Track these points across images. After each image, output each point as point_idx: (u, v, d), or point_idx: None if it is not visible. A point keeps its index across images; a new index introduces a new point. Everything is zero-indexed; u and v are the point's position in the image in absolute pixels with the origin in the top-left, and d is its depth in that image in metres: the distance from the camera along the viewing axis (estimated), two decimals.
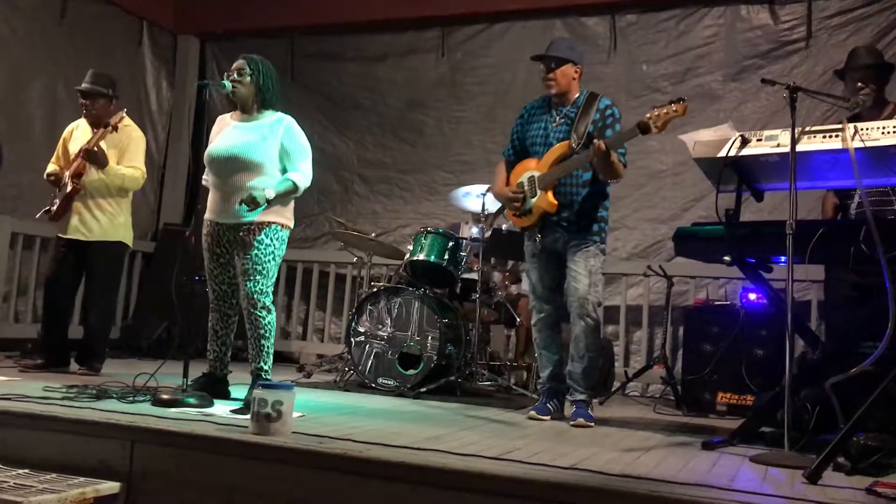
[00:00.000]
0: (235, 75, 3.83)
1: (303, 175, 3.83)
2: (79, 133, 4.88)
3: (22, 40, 6.36)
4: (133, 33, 7.46)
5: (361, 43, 7.47)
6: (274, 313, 3.82)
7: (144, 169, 4.92)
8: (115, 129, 4.71)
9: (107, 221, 4.78)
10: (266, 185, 3.72)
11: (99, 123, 4.80)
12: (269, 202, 3.70)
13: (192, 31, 7.89)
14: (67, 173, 4.72)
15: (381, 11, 7.18)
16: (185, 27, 7.86)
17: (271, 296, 3.82)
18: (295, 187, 3.79)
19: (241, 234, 3.75)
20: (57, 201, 4.73)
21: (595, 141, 3.77)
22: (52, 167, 4.88)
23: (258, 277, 3.74)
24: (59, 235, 4.81)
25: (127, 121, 4.83)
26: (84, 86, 4.86)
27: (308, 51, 7.64)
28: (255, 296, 3.74)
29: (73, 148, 4.81)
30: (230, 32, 7.75)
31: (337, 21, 7.37)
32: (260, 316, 3.75)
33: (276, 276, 3.85)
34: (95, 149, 4.65)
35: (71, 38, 6.71)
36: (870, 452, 2.80)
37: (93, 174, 4.72)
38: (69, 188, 4.68)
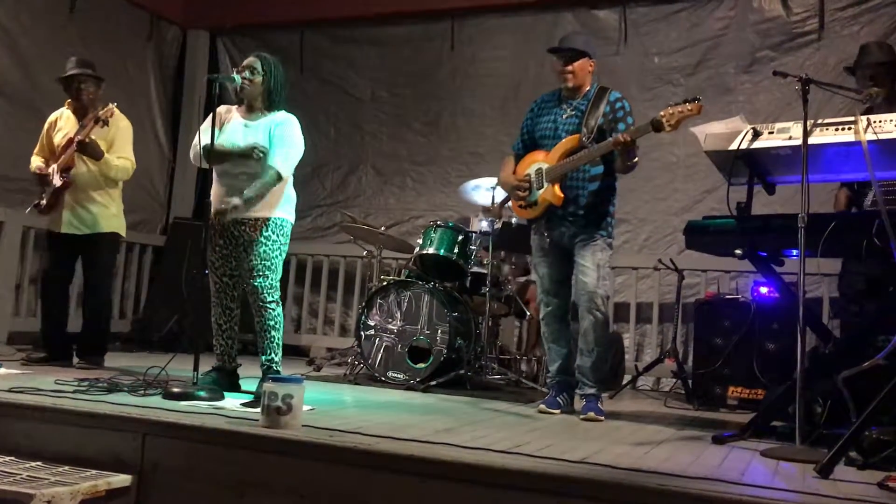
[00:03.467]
0: (248, 73, 3.83)
1: (283, 167, 3.74)
2: (62, 123, 4.81)
3: (30, 34, 6.37)
4: (142, 27, 7.47)
5: (372, 35, 7.46)
6: (281, 306, 3.83)
7: (133, 159, 4.85)
8: (106, 122, 4.61)
9: (99, 213, 4.74)
10: None
11: (87, 109, 4.73)
12: (266, 197, 3.73)
13: (202, 25, 7.89)
14: (55, 166, 4.67)
15: (391, 4, 7.18)
16: (194, 21, 7.85)
17: (279, 289, 3.83)
18: (271, 181, 3.72)
19: (245, 228, 3.76)
20: (45, 196, 4.70)
21: (618, 134, 3.74)
22: (36, 160, 4.83)
23: (267, 273, 3.75)
24: (52, 231, 4.78)
25: (115, 111, 4.76)
26: (75, 70, 4.78)
27: (319, 44, 7.63)
28: (265, 292, 3.75)
29: (58, 139, 4.76)
30: (240, 26, 7.75)
31: (347, 14, 7.36)
32: (269, 309, 3.77)
33: (281, 269, 3.86)
34: (88, 140, 4.57)
35: (80, 32, 6.71)
36: (882, 447, 2.78)
37: (81, 167, 4.67)
38: (59, 183, 4.63)
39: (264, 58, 3.88)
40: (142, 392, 3.53)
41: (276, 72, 3.87)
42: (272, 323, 3.78)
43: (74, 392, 3.40)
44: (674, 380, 5.38)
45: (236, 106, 3.98)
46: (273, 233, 3.78)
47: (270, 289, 3.77)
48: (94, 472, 2.76)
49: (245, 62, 3.87)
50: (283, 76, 3.91)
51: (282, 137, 3.79)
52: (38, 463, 2.82)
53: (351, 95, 7.51)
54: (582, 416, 3.82)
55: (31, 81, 6.36)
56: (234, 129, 3.85)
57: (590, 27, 6.55)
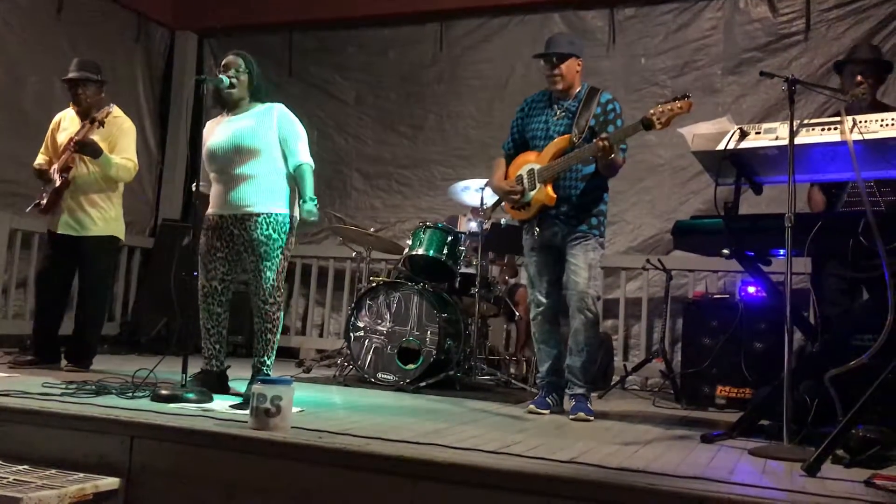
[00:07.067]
0: (234, 71, 3.84)
1: (308, 157, 3.91)
2: (67, 123, 4.80)
3: (18, 35, 6.35)
4: (130, 29, 7.44)
5: (360, 37, 7.46)
6: (282, 310, 3.82)
7: (136, 160, 4.82)
8: (102, 124, 4.61)
9: (98, 216, 4.72)
10: (265, 170, 3.77)
11: (89, 112, 4.72)
12: (273, 191, 3.78)
13: (190, 27, 7.87)
14: (55, 167, 4.66)
15: (380, 6, 7.17)
16: (182, 23, 7.84)
17: (282, 289, 3.82)
18: (309, 173, 3.89)
19: (246, 226, 3.73)
20: (46, 195, 4.68)
21: (598, 140, 3.75)
22: (40, 158, 4.83)
23: (268, 273, 3.74)
24: (50, 231, 4.76)
25: (116, 111, 4.74)
26: (73, 74, 4.78)
27: (306, 46, 7.62)
28: (267, 292, 3.73)
29: (61, 139, 4.74)
30: (228, 28, 7.72)
31: (335, 16, 7.35)
32: (270, 311, 3.76)
33: (284, 267, 3.83)
34: (86, 140, 4.55)
35: (68, 33, 6.69)
36: (869, 445, 2.80)
37: (82, 168, 4.66)
38: (57, 182, 4.62)
39: (244, 55, 3.93)
40: (130, 394, 3.51)
41: (256, 67, 3.94)
42: (271, 325, 3.77)
43: (62, 395, 3.38)
44: (662, 379, 5.40)
45: (219, 115, 3.98)
46: (274, 230, 3.75)
47: (273, 288, 3.75)
48: (81, 475, 2.74)
49: (227, 61, 3.88)
50: (259, 71, 3.97)
51: (292, 132, 3.89)
52: (25, 466, 2.80)
53: (336, 98, 7.51)
54: (571, 416, 3.83)
55: (19, 83, 6.33)
56: (218, 131, 3.86)
57: (578, 29, 6.57)
